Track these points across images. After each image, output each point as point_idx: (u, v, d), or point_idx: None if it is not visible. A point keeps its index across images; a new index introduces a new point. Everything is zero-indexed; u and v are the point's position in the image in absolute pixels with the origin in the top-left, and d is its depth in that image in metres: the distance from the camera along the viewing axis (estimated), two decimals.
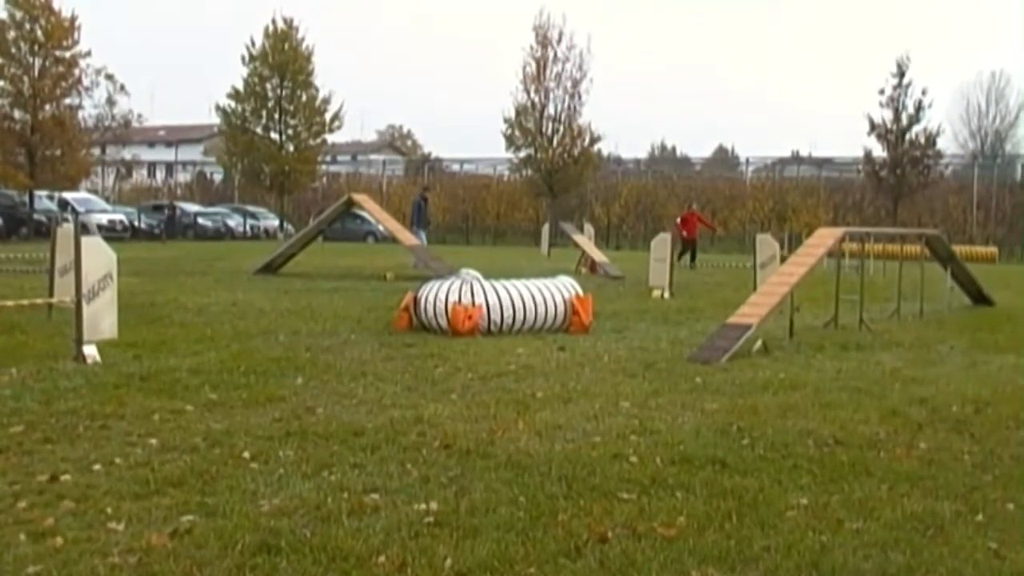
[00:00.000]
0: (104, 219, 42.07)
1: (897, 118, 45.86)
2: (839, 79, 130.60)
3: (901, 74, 45.45)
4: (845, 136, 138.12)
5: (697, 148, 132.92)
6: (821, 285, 15.18)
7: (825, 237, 14.13)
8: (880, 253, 23.70)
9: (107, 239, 10.95)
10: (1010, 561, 4.49)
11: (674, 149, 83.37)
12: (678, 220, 31.84)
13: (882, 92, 45.88)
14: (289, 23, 49.48)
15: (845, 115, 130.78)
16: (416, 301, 12.37)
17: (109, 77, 47.05)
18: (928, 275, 15.98)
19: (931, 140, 46.31)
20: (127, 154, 66.48)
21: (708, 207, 53.17)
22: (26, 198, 41.80)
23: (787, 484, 5.63)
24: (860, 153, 48.52)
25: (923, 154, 46.22)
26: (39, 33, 40.13)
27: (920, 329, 13.73)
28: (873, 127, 46.27)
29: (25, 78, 40.06)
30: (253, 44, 49.33)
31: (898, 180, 46.14)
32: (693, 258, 29.78)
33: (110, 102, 50.04)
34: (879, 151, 46.90)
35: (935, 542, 4.72)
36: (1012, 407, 8.09)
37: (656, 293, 18.49)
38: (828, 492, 5.48)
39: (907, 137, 45.90)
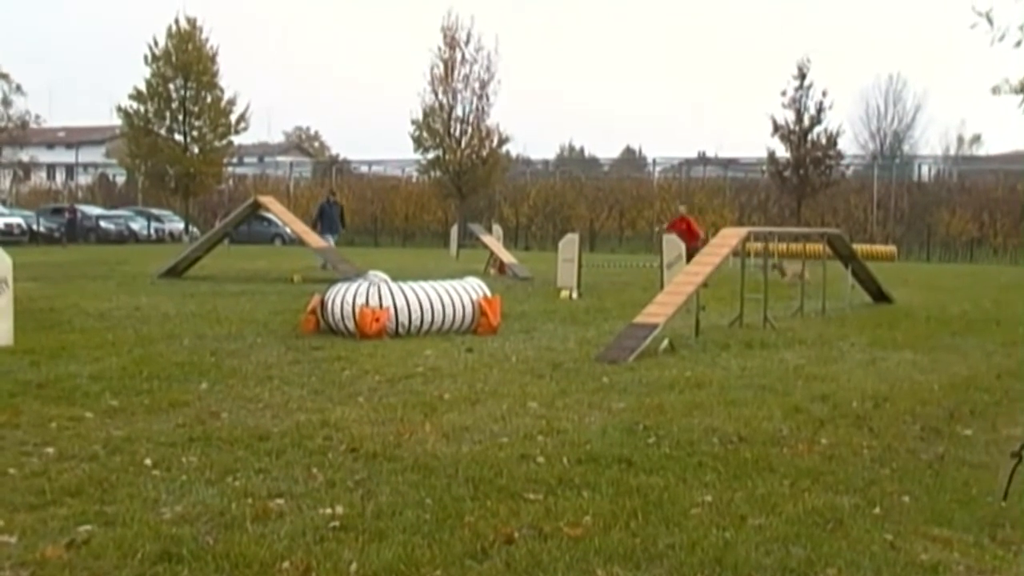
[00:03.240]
0: (0, 223, 40.91)
1: (799, 119, 46.71)
2: (744, 80, 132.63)
3: (802, 76, 46.32)
4: (750, 137, 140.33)
5: (605, 149, 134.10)
6: (726, 285, 15.40)
7: (730, 237, 14.33)
8: (784, 252, 24.11)
9: (3, 243, 10.70)
10: (904, 552, 4.60)
11: (582, 150, 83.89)
12: (665, 226, 26.04)
13: (784, 94, 46.76)
14: (192, 23, 48.66)
15: (750, 116, 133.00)
16: (323, 304, 12.26)
17: (3, 76, 45.97)
18: (830, 273, 16.31)
19: (832, 141, 47.27)
20: (24, 156, 64.83)
21: (616, 207, 53.76)
22: None
23: (692, 482, 5.69)
24: (764, 154, 49.40)
25: (825, 154, 47.15)
26: None
27: (822, 327, 14.01)
28: (776, 128, 47.10)
29: None
30: (156, 44, 48.43)
31: (801, 180, 47.02)
32: None
33: (5, 102, 49.00)
34: (782, 151, 47.80)
35: (834, 535, 4.81)
36: (909, 402, 8.30)
37: (564, 294, 18.58)
38: (732, 489, 5.55)
39: (809, 138, 46.78)
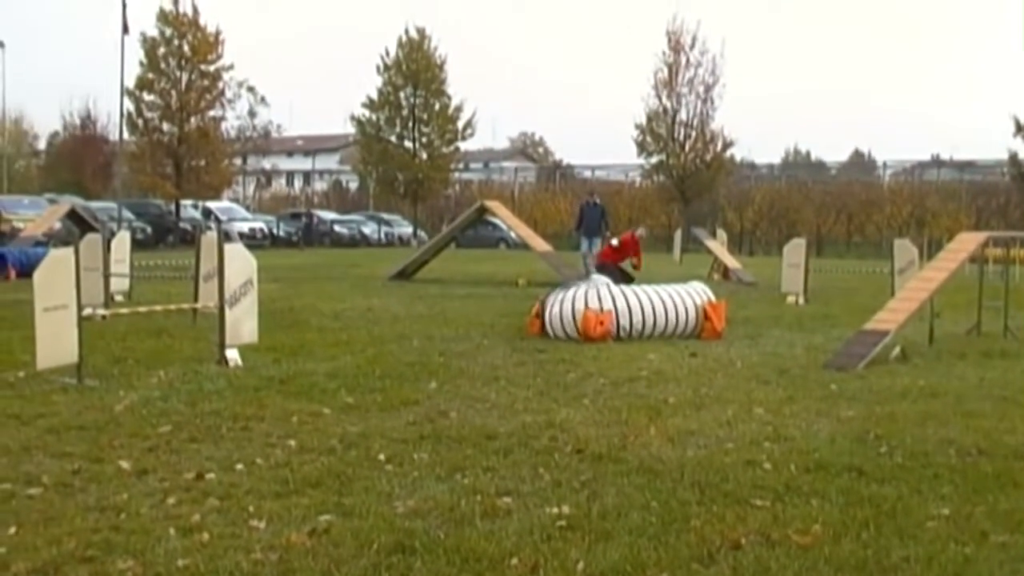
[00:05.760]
0: (245, 227, 43.29)
1: None
2: (981, 78, 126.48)
3: None
4: (988, 138, 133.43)
5: (832, 152, 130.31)
6: (963, 292, 14.71)
7: (967, 242, 13.69)
8: None
9: (248, 246, 11.29)
10: None
11: (808, 153, 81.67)
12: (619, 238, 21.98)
13: None
14: (422, 32, 50.20)
15: (988, 116, 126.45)
16: (547, 307, 12.40)
17: (250, 89, 48.58)
18: None
19: None
20: (267, 164, 68.30)
21: (844, 212, 52.12)
22: (172, 207, 43.32)
23: (927, 494, 5.49)
24: (1005, 156, 46.93)
25: None
26: (186, 48, 41.62)
27: None
28: (1019, 128, 44.67)
29: (173, 92, 41.60)
30: (387, 54, 50.21)
31: None
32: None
33: (251, 113, 51.64)
34: None
35: None
36: None
37: (790, 299, 18.20)
38: (971, 503, 5.32)
39: None
